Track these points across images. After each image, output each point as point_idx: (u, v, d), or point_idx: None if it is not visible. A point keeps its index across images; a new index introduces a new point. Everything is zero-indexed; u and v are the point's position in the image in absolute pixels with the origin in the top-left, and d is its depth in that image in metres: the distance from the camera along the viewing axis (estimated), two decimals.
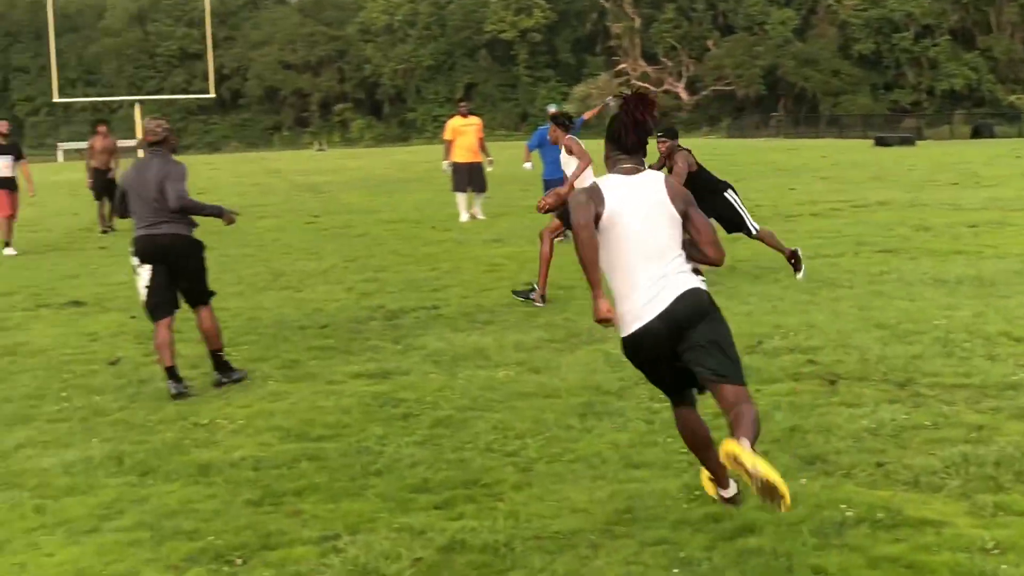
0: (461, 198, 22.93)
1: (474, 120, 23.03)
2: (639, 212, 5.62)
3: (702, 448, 5.81)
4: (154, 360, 10.43)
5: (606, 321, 5.58)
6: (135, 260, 9.53)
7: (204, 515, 6.35)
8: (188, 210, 9.49)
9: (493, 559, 5.56)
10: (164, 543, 5.97)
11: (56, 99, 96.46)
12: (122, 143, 28.29)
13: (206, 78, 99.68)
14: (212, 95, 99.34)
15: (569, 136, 14.03)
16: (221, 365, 9.64)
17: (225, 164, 59.32)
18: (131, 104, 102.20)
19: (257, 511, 6.39)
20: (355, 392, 8.96)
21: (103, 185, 23.83)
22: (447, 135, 22.90)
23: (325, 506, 6.40)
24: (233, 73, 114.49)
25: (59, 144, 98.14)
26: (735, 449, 4.98)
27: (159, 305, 9.52)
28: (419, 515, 6.18)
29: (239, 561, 5.70)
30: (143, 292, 9.54)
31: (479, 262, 15.81)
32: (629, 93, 6.00)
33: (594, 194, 5.67)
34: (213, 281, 9.98)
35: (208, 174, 46.54)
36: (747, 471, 4.91)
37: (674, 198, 5.70)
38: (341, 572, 5.50)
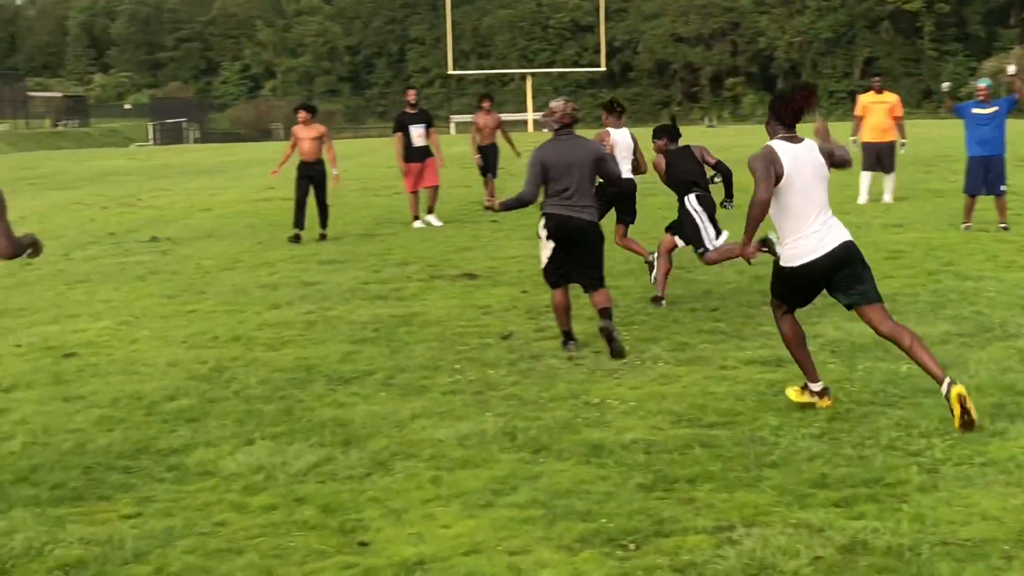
0: (865, 179, 21.76)
1: (889, 97, 21.68)
2: (807, 172, 7.43)
3: (798, 344, 7.79)
4: (545, 336, 10.58)
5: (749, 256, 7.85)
6: (543, 232, 9.89)
7: (596, 497, 6.33)
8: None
9: (897, 563, 5.28)
10: (557, 522, 5.98)
11: (450, 71, 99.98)
12: (512, 116, 28.57)
13: (597, 51, 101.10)
14: (603, 68, 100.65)
15: (606, 130, 12.93)
16: (608, 319, 9.77)
17: None
18: (522, 77, 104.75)
19: (649, 496, 6.32)
20: (748, 379, 8.77)
21: (489, 162, 23.66)
22: (857, 111, 21.91)
23: (719, 495, 6.26)
24: (624, 46, 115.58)
25: (451, 116, 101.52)
26: (962, 392, 7.04)
27: (559, 276, 9.98)
28: (817, 511, 5.95)
29: (632, 546, 5.63)
30: (545, 261, 10.01)
31: (878, 248, 15.05)
32: (799, 84, 7.91)
33: (773, 158, 7.38)
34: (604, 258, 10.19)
35: None
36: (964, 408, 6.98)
37: (824, 161, 7.55)
38: (737, 565, 5.35)
